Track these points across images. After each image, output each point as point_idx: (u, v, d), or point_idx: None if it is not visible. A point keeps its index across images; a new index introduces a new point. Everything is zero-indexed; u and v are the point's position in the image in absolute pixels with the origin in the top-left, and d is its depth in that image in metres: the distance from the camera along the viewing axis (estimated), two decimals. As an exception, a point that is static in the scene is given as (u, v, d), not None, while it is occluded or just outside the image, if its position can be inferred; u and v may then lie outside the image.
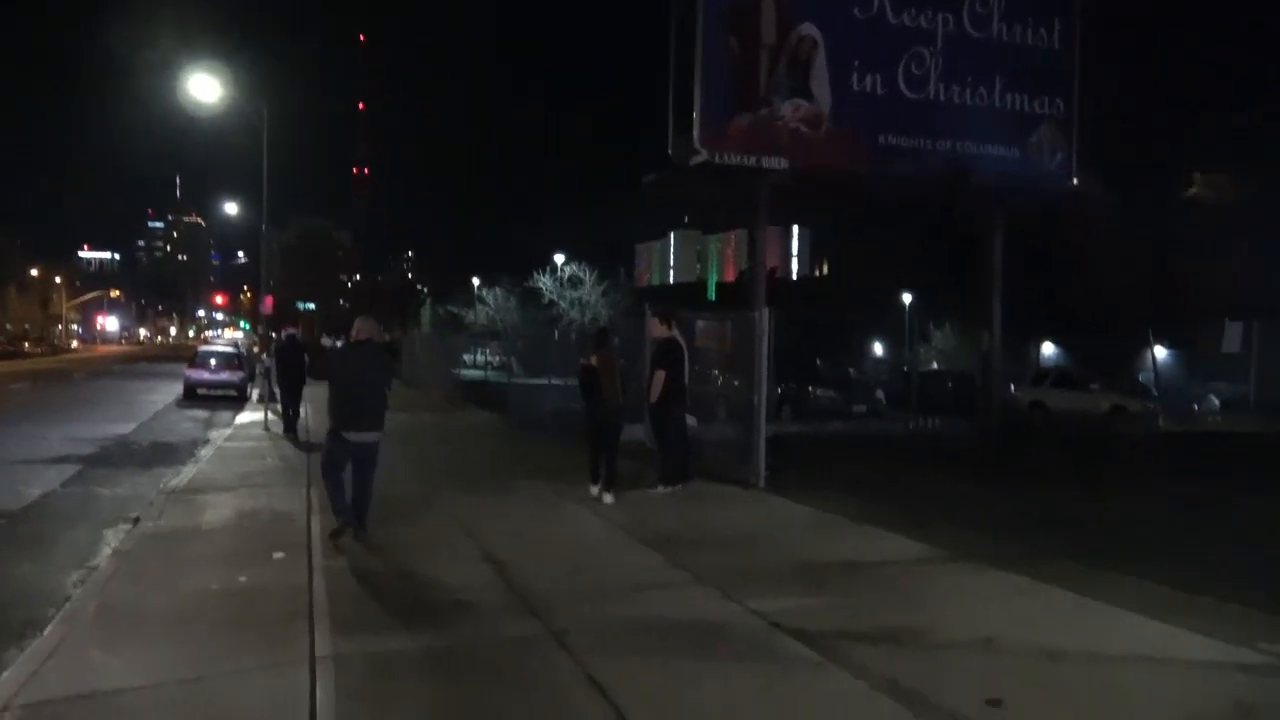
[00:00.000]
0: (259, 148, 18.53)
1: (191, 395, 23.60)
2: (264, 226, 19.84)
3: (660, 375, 9.55)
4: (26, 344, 68.06)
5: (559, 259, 51.53)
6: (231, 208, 39.46)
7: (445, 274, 74.02)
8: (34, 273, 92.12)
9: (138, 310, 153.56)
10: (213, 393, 23.77)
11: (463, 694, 4.26)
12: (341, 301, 77.81)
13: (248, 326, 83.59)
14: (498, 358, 31.19)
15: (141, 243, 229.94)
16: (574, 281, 49.81)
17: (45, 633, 5.11)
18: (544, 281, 49.89)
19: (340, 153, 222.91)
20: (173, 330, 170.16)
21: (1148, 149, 31.96)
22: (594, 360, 9.25)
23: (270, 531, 7.64)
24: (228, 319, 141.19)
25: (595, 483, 9.12)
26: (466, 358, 32.78)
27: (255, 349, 33.30)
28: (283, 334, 17.50)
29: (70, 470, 11.36)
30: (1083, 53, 14.67)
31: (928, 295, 40.80)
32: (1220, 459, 14.49)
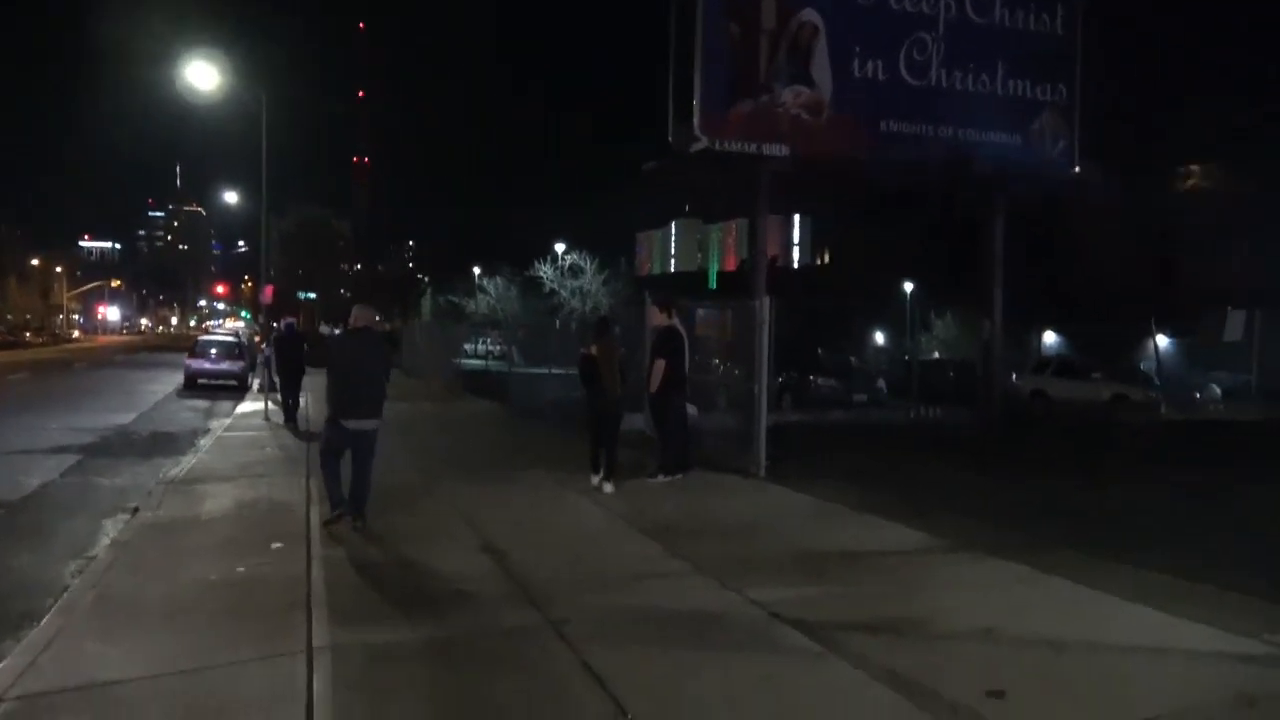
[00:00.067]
0: (259, 136, 18.47)
1: (192, 385, 23.57)
2: (264, 215, 19.76)
3: (660, 364, 9.51)
4: (28, 334, 68.10)
5: (559, 248, 51.43)
6: (231, 197, 39.43)
7: (446, 263, 73.92)
8: (35, 263, 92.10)
9: (139, 300, 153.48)
10: (213, 382, 23.75)
11: (461, 684, 4.24)
12: (342, 291, 77.80)
13: (249, 316, 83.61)
14: (498, 347, 31.15)
15: (142, 232, 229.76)
16: (575, 270, 49.71)
17: (42, 623, 5.09)
18: (545, 270, 49.79)
19: (341, 142, 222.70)
20: (174, 320, 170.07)
21: (1147, 138, 31.86)
22: (594, 350, 9.21)
23: (269, 521, 7.63)
24: (229, 309, 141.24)
25: (596, 472, 9.10)
26: (467, 347, 32.71)
27: (256, 339, 33.26)
28: (281, 323, 17.47)
29: (70, 460, 11.35)
30: (1085, 39, 14.58)
31: (929, 284, 40.74)
32: (1222, 447, 14.46)
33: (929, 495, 8.83)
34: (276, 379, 15.96)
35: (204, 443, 12.98)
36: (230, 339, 28.53)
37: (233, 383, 23.78)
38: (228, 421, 15.89)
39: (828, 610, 5.17)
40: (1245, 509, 8.67)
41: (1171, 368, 25.12)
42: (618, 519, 7.81)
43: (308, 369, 15.18)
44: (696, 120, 12.00)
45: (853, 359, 33.68)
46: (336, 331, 16.62)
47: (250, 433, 14.17)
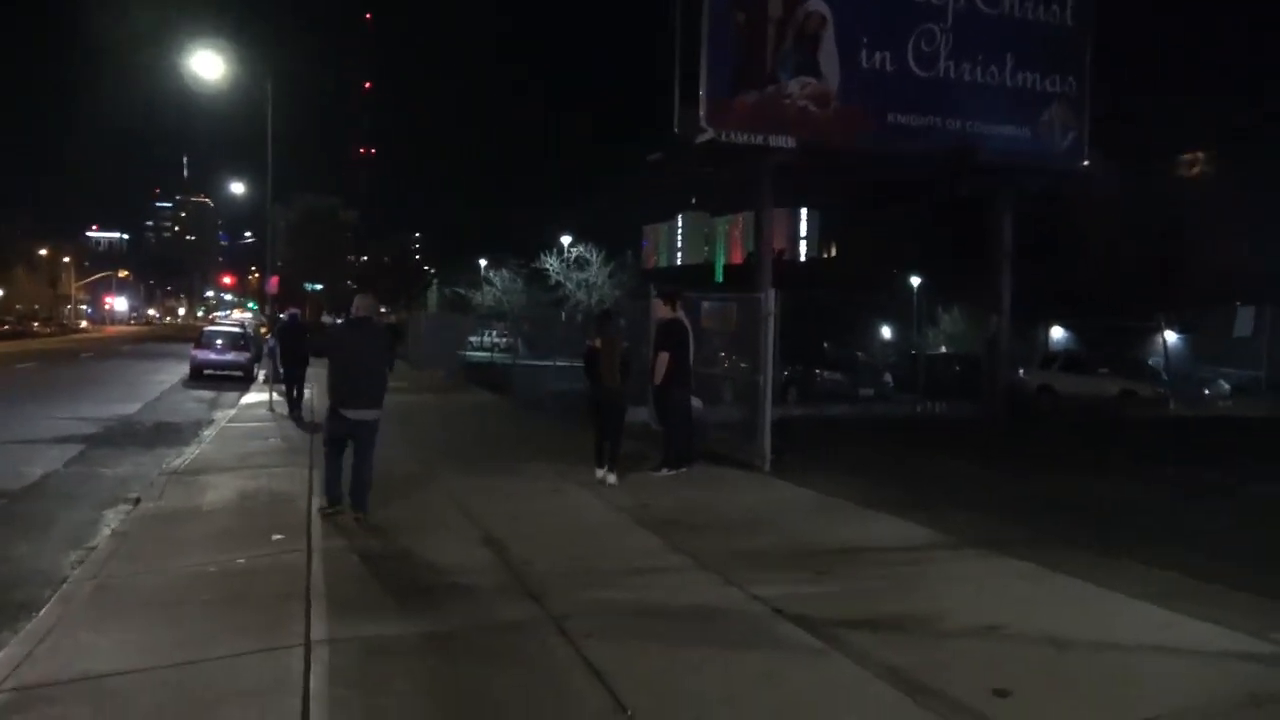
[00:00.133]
0: (264, 125, 18.44)
1: (198, 375, 23.60)
2: (268, 203, 19.75)
3: (664, 357, 9.45)
4: (35, 324, 68.21)
5: (565, 240, 51.37)
6: (238, 187, 39.48)
7: (452, 255, 73.96)
8: (43, 253, 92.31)
9: (146, 291, 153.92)
10: (219, 373, 23.77)
11: (459, 678, 4.20)
12: (349, 282, 77.81)
13: (255, 307, 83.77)
14: (504, 339, 31.13)
15: (150, 223, 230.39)
16: (581, 263, 49.65)
17: (41, 614, 5.08)
18: (550, 263, 49.75)
19: (348, 132, 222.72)
20: (181, 311, 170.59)
21: (1147, 134, 31.66)
22: (597, 342, 9.17)
23: (270, 513, 7.60)
24: (236, 299, 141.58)
25: (601, 465, 9.06)
26: (473, 339, 32.72)
27: (262, 330, 33.32)
28: (285, 314, 17.45)
29: (73, 450, 11.35)
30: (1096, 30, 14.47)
31: (936, 278, 40.60)
32: (1231, 444, 14.36)
33: (934, 490, 8.77)
34: (281, 369, 15.94)
35: (207, 433, 12.97)
36: (236, 330, 28.56)
37: (238, 373, 23.81)
38: (232, 412, 15.88)
39: (830, 606, 5.12)
40: (1253, 506, 8.60)
41: (1180, 363, 24.95)
42: (620, 512, 7.77)
43: (311, 360, 15.15)
44: (703, 111, 11.94)
45: (859, 353, 33.60)
46: (338, 321, 16.65)
47: (254, 424, 14.16)
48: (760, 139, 12.14)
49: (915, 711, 3.82)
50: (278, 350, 16.19)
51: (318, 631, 4.69)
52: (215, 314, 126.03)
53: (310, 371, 15.56)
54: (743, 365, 10.97)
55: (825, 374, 24.12)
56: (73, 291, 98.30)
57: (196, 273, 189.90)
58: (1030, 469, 10.67)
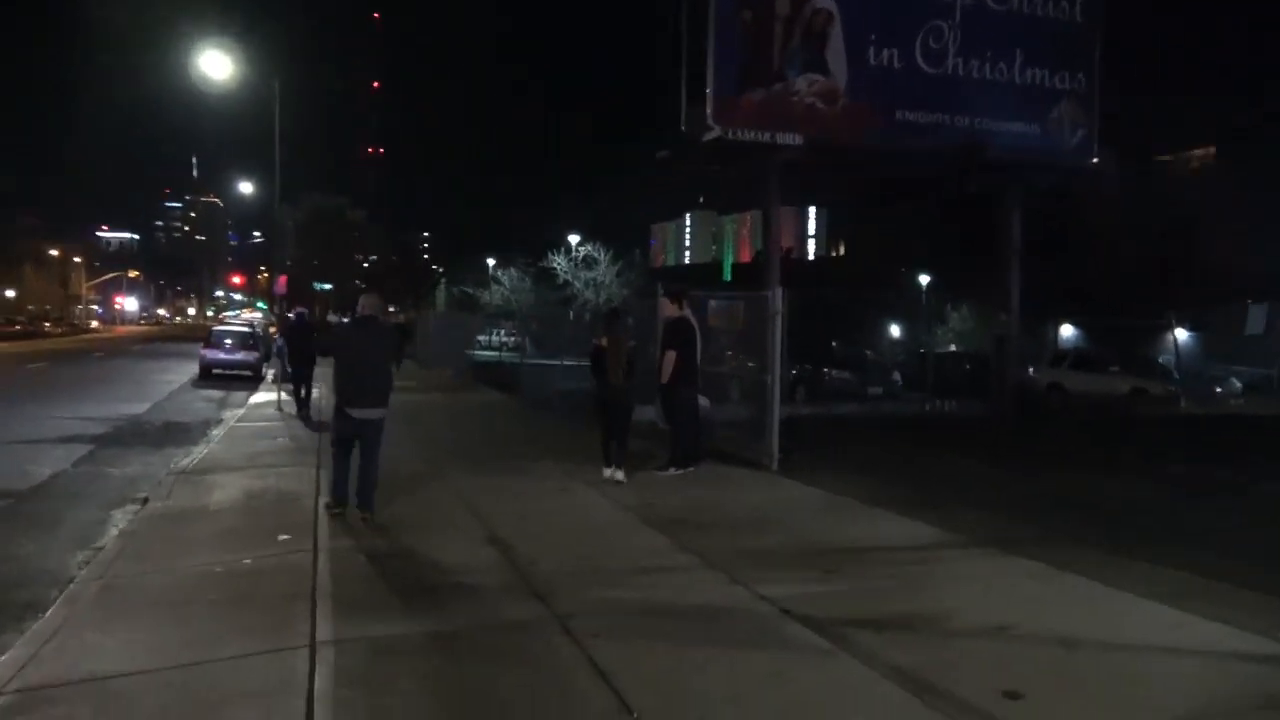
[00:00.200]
0: (272, 125, 18.49)
1: (207, 375, 23.68)
2: (276, 201, 19.80)
3: (671, 355, 9.43)
4: (47, 324, 68.55)
5: (573, 239, 51.33)
6: (247, 187, 39.55)
7: (459, 254, 74.03)
8: (53, 253, 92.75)
9: (156, 290, 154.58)
10: (228, 372, 23.84)
11: (464, 679, 4.18)
12: (357, 282, 77.95)
13: (265, 306, 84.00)
14: (512, 338, 31.13)
15: (160, 223, 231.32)
16: (589, 262, 49.60)
17: (47, 614, 5.08)
18: (558, 262, 49.73)
19: (355, 133, 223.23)
20: (191, 310, 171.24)
21: (1152, 131, 31.52)
22: (604, 341, 9.16)
23: (277, 512, 7.61)
24: (246, 299, 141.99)
25: (608, 465, 9.04)
26: (481, 338, 32.71)
27: (271, 329, 33.40)
28: (293, 313, 17.49)
29: (82, 450, 11.39)
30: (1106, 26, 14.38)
31: (944, 275, 40.47)
32: (1242, 442, 14.27)
33: (942, 488, 8.73)
34: (289, 369, 15.98)
35: (216, 433, 13.00)
36: (244, 329, 28.64)
37: (247, 373, 23.87)
38: (241, 412, 15.92)
39: (837, 606, 5.09)
40: (1265, 505, 8.53)
41: (1191, 361, 24.80)
42: (626, 511, 7.75)
43: (319, 359, 15.19)
44: (709, 109, 11.90)
45: (867, 351, 33.47)
46: (343, 321, 16.72)
47: (262, 423, 14.19)
48: (767, 136, 12.09)
49: (923, 712, 3.79)
50: (286, 350, 16.23)
51: (323, 632, 4.68)
52: (225, 314, 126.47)
53: (318, 371, 15.60)
54: (750, 364, 10.93)
55: (834, 372, 24.02)
56: (83, 291, 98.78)
57: (206, 272, 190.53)
58: (1040, 467, 10.62)
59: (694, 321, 9.83)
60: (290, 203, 67.93)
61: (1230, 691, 4.07)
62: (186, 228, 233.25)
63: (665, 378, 9.51)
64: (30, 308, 79.63)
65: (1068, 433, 15.85)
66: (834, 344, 27.53)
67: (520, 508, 7.92)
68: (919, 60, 13.09)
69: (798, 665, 4.32)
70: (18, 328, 57.65)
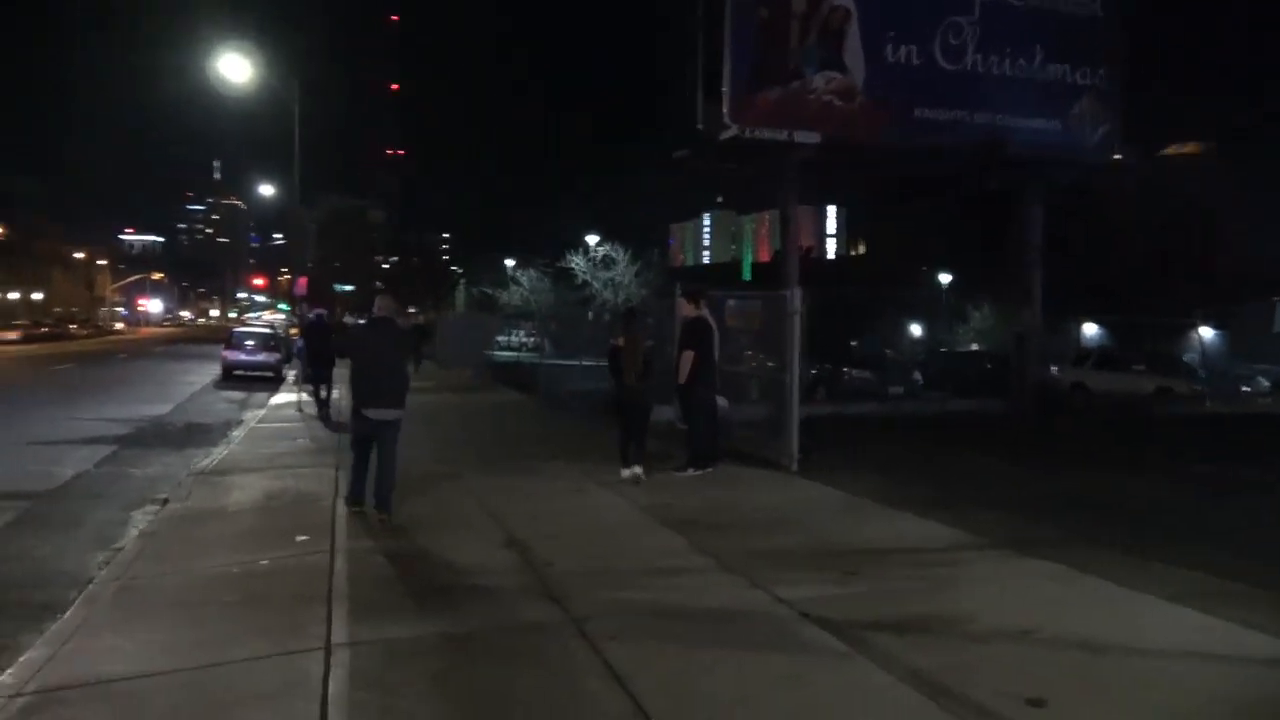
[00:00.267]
0: (292, 127, 18.59)
1: (229, 376, 23.86)
2: (297, 202, 19.90)
3: (688, 355, 9.39)
4: (73, 326, 69.37)
5: (592, 240, 51.31)
6: (267, 189, 39.87)
7: (479, 255, 74.24)
8: (79, 256, 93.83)
9: (179, 292, 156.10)
10: (249, 374, 24.01)
11: (478, 681, 4.17)
12: (377, 283, 78.36)
13: (286, 308, 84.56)
14: (531, 339, 31.19)
15: (183, 225, 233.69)
16: (607, 262, 49.55)
17: (66, 615, 5.11)
18: (577, 262, 49.73)
19: (375, 134, 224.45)
20: (214, 312, 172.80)
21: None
22: (621, 341, 9.13)
23: (295, 513, 7.64)
24: (268, 300, 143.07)
25: (626, 465, 9.01)
26: (500, 339, 32.80)
27: (292, 331, 33.63)
28: (312, 314, 17.58)
29: (104, 450, 11.49)
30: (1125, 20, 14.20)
31: (964, 273, 40.16)
32: (1269, 441, 14.05)
33: (962, 489, 8.64)
34: (309, 370, 16.06)
35: (236, 434, 13.08)
36: (265, 330, 28.87)
37: (268, 374, 24.03)
38: (261, 413, 16.02)
39: (855, 608, 5.03)
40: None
41: (1216, 359, 24.47)
42: (643, 512, 7.71)
43: (338, 360, 15.26)
44: (726, 107, 11.85)
45: (887, 350, 33.29)
46: (360, 322, 16.78)
47: (282, 424, 14.27)
48: (784, 134, 12.02)
49: (939, 716, 3.73)
50: (306, 350, 16.32)
51: (339, 633, 4.68)
52: (247, 315, 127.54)
53: (338, 372, 15.67)
54: (769, 364, 10.86)
55: (853, 372, 23.90)
56: (108, 294, 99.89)
57: (229, 274, 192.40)
58: (1061, 466, 10.49)
59: (712, 321, 9.79)
60: (309, 204, 68.33)
61: (1256, 697, 3.98)
62: (209, 230, 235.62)
63: (683, 378, 9.46)
64: (57, 310, 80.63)
65: (1090, 431, 15.66)
66: (854, 343, 27.39)
67: (536, 508, 7.91)
68: (938, 57, 12.98)
69: (814, 668, 4.27)
70: (45, 330, 58.36)
